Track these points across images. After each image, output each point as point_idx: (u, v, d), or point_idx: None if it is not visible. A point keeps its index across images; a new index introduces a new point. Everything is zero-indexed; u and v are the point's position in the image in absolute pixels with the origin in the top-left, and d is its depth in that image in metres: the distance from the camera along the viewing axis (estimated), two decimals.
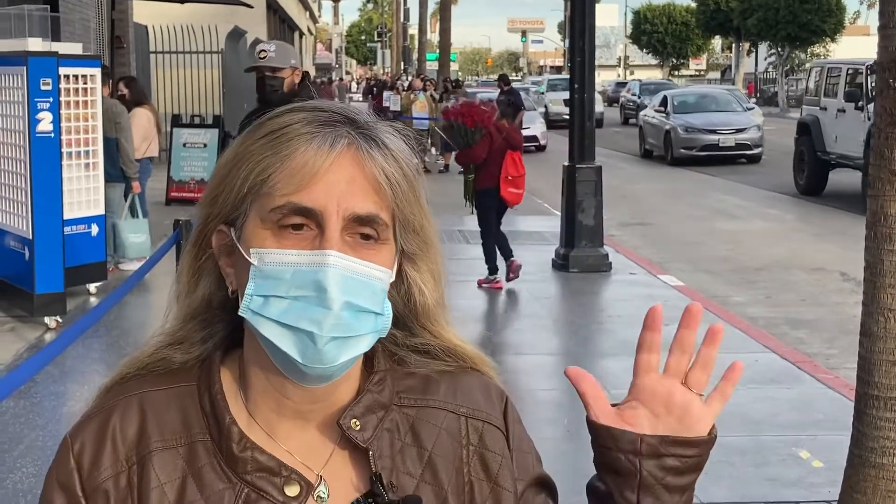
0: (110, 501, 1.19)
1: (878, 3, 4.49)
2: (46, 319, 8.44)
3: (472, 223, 15.03)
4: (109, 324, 8.32)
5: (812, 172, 18.45)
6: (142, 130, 11.46)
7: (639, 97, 42.86)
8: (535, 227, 14.59)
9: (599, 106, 41.36)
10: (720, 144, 25.26)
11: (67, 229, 8.86)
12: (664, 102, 27.57)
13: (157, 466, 1.18)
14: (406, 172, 1.21)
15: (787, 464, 5.73)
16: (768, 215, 16.86)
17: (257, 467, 1.18)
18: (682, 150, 25.14)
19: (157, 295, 9.30)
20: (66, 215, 8.81)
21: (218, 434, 1.19)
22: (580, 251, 11.27)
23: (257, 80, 6.63)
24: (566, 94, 35.14)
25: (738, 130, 25.46)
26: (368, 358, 1.26)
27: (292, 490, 1.18)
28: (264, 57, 6.40)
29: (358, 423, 1.20)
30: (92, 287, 9.64)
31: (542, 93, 42.33)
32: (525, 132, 25.79)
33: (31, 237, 8.43)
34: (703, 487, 5.35)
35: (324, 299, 1.12)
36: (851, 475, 4.49)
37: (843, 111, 17.36)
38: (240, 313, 1.16)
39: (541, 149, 29.45)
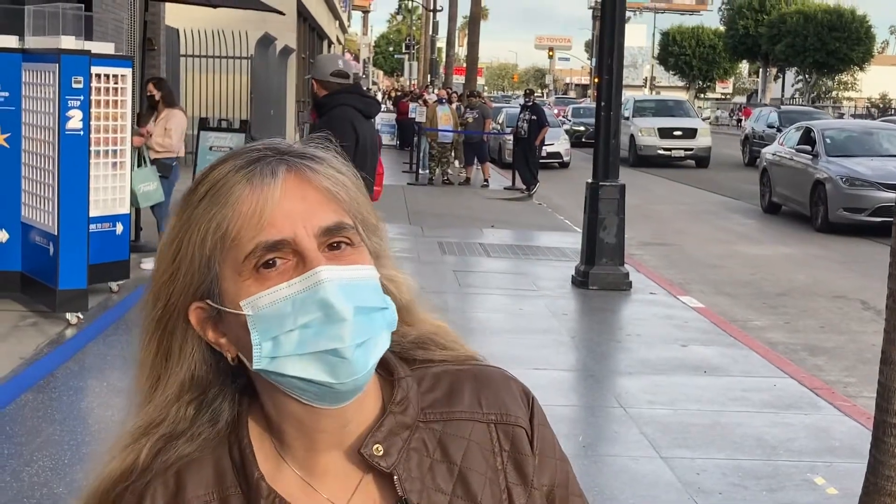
0: None
1: None
2: (68, 315, 8.44)
3: (492, 237, 15.07)
4: (130, 322, 8.34)
5: None
6: (181, 131, 11.57)
7: (778, 129, 27.76)
8: (556, 243, 14.57)
9: (707, 139, 31.91)
10: None
11: (92, 227, 8.90)
12: (809, 138, 19.01)
13: None
14: (349, 176, 1.21)
15: (802, 489, 5.69)
16: None
17: None
18: (844, 213, 16.84)
19: None
20: (92, 213, 8.84)
21: (247, 488, 1.19)
22: (600, 269, 11.23)
23: None
24: (665, 121, 31.71)
25: None
26: (383, 367, 1.25)
27: None
28: (311, 69, 6.56)
29: (380, 448, 1.19)
30: (114, 285, 9.66)
31: (627, 119, 30.02)
32: (548, 148, 26.00)
33: (56, 233, 8.46)
34: None
35: (333, 314, 1.11)
36: (867, 503, 4.48)
37: None
38: (254, 368, 1.14)
39: (564, 165, 29.45)
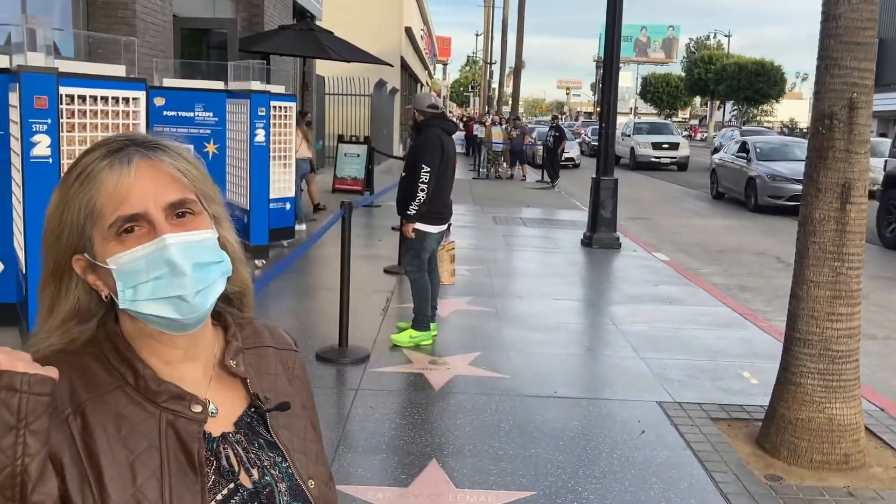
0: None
1: (812, 76, 4.38)
2: (256, 261, 8.60)
3: (528, 213, 14.98)
4: (296, 266, 8.49)
5: None
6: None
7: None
8: (571, 217, 14.46)
9: (686, 150, 29.79)
10: None
11: (272, 205, 9.05)
12: (744, 148, 18.39)
13: (91, 412, 1.00)
14: (190, 161, 1.08)
15: (735, 380, 5.65)
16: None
17: (170, 396, 1.04)
18: (768, 199, 16.56)
19: (326, 249, 9.45)
20: (271, 196, 8.98)
21: (134, 379, 1.04)
22: (600, 234, 11.15)
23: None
24: (658, 137, 29.80)
25: None
26: (217, 314, 1.16)
27: (197, 408, 1.05)
28: (412, 102, 6.50)
29: (234, 362, 1.12)
30: (285, 242, 9.82)
31: (628, 135, 30.59)
32: (566, 155, 25.74)
33: (248, 208, 8.62)
34: (677, 392, 5.32)
35: (177, 270, 1.00)
36: (779, 389, 4.45)
37: None
38: (121, 307, 1.02)
39: (576, 166, 29.12)
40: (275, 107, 9.13)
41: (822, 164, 4.20)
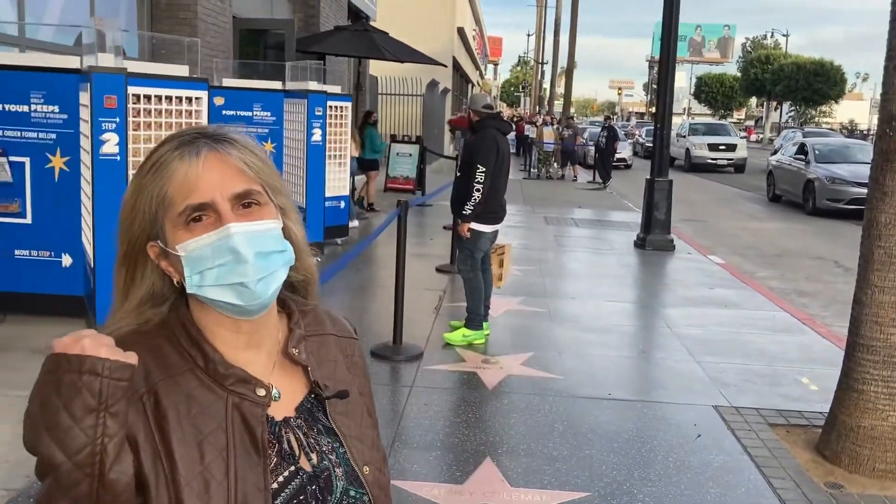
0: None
1: (873, 76, 4.28)
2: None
3: (579, 214, 14.89)
4: (351, 264, 8.57)
5: None
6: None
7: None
8: (624, 219, 14.32)
9: (744, 152, 29.14)
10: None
11: (327, 203, 9.16)
12: (803, 150, 17.91)
13: (163, 393, 1.05)
14: (257, 153, 1.11)
15: (794, 386, 5.55)
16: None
17: (236, 379, 1.08)
18: (827, 202, 16.04)
19: (381, 249, 9.53)
20: (326, 194, 9.10)
21: (204, 362, 1.08)
22: (654, 236, 11.03)
23: None
24: (714, 138, 29.04)
25: None
26: (281, 302, 1.19)
27: (261, 392, 1.09)
28: (466, 103, 6.54)
29: (297, 350, 1.15)
30: (339, 241, 9.92)
31: (684, 136, 30.01)
32: (618, 155, 25.52)
33: (304, 206, 8.74)
34: (733, 396, 5.26)
35: (240, 258, 1.04)
36: (840, 396, 4.36)
37: None
38: (189, 292, 1.07)
39: (628, 167, 28.83)
40: (331, 106, 9.23)
41: (888, 166, 4.11)
